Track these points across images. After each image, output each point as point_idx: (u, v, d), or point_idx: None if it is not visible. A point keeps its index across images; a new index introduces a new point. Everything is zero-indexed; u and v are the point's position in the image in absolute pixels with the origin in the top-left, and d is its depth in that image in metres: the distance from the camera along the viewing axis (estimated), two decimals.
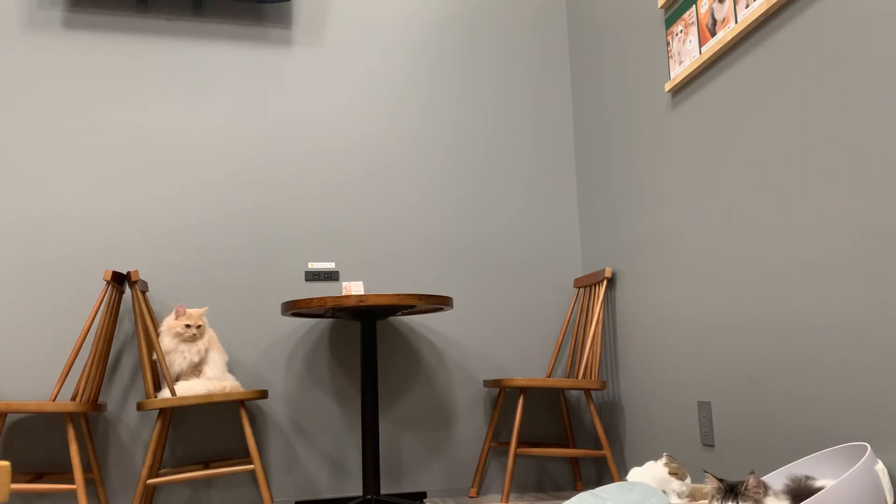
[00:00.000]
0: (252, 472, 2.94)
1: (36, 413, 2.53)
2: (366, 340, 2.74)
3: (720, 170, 2.34)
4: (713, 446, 2.37)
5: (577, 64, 3.49)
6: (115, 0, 3.14)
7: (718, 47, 2.30)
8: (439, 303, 2.62)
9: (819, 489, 1.60)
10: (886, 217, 1.70)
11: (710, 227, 2.40)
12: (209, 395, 2.56)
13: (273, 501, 2.63)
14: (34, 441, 2.80)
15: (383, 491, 3.06)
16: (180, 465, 2.91)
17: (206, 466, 2.85)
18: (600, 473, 3.20)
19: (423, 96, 3.39)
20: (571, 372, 3.20)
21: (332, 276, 3.15)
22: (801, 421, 1.97)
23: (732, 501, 1.64)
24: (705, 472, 1.78)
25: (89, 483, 2.79)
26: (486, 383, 3.02)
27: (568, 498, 2.98)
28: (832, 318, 1.86)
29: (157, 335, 2.70)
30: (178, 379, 2.70)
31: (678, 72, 2.56)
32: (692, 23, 2.47)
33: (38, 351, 2.85)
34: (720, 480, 1.70)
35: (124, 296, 2.93)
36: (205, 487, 2.91)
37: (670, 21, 2.62)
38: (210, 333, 2.80)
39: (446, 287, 3.26)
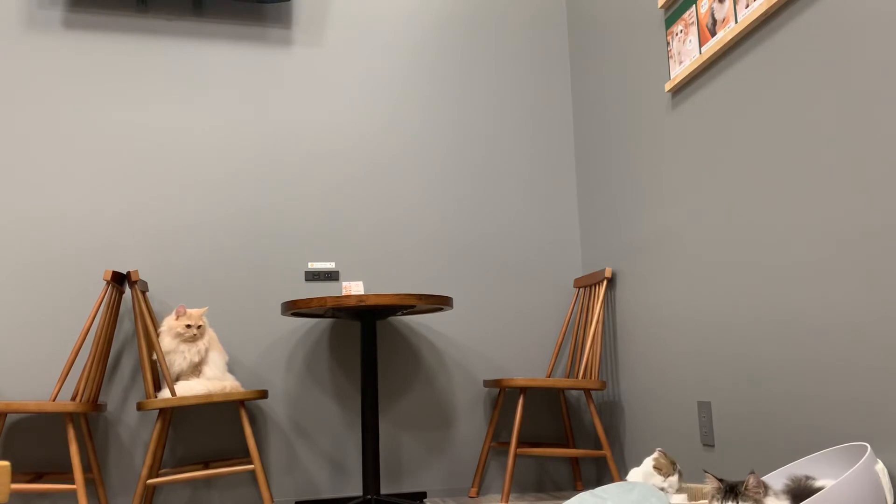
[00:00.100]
0: (252, 472, 2.94)
1: (36, 413, 2.53)
2: (366, 340, 2.74)
3: (720, 170, 2.34)
4: (713, 446, 2.37)
5: (577, 64, 3.49)
6: (115, 0, 3.14)
7: (718, 47, 2.30)
8: (439, 303, 2.62)
9: (819, 489, 1.60)
10: (886, 217, 1.70)
11: (710, 227, 2.40)
12: (209, 395, 2.56)
13: (273, 501, 2.63)
14: (34, 441, 2.80)
15: (383, 491, 3.06)
16: (180, 465, 2.91)
17: (206, 466, 2.85)
18: (600, 473, 3.20)
19: (423, 96, 3.39)
20: (571, 372, 3.20)
21: (332, 276, 3.15)
22: (801, 421, 1.97)
23: (732, 501, 1.64)
24: (705, 472, 1.78)
25: (89, 483, 2.79)
26: (486, 383, 3.02)
27: (568, 498, 2.98)
28: (832, 318, 1.86)
29: (157, 335, 2.70)
30: (178, 379, 2.70)
31: (678, 72, 2.56)
32: (692, 23, 2.47)
33: (38, 351, 2.85)
34: (720, 480, 1.70)
35: (124, 296, 2.93)
36: (205, 487, 2.91)
37: (670, 21, 2.62)
38: (210, 333, 2.80)
39: (446, 287, 3.26)
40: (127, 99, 3.09)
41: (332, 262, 3.17)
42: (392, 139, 3.32)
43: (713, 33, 2.35)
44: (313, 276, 3.13)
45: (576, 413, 3.28)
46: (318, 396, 3.07)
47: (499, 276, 3.32)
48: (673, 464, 2.15)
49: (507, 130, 3.45)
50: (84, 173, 3.00)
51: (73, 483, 2.71)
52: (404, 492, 3.07)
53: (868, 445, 1.64)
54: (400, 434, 3.11)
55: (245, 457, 2.96)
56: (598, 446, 3.20)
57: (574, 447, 3.15)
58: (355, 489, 3.04)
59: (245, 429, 2.62)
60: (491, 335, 3.27)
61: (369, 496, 2.63)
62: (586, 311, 3.15)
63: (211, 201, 3.10)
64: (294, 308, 2.62)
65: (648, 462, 2.16)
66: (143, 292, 2.77)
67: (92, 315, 2.58)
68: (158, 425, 2.59)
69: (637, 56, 2.90)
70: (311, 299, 2.58)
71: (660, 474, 2.10)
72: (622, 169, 3.01)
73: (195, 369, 2.72)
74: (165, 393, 2.61)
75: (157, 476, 2.70)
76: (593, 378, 2.94)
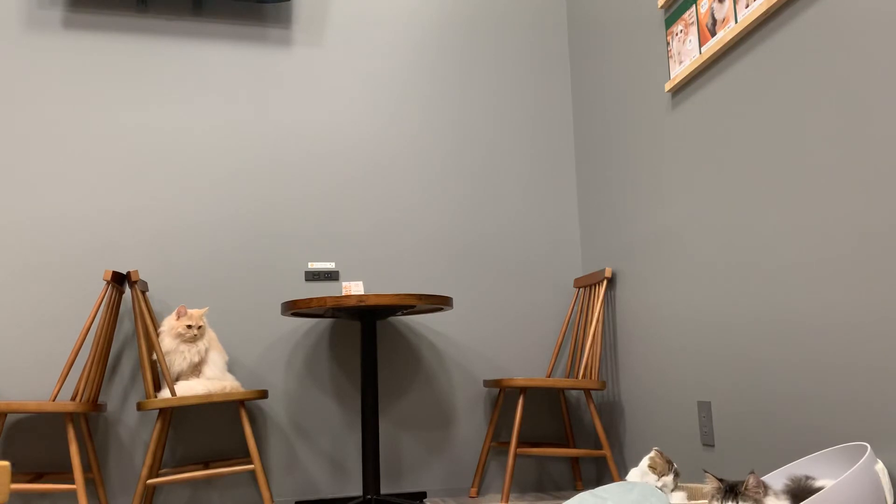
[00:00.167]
0: (252, 472, 2.94)
1: (36, 413, 2.53)
2: (366, 340, 2.74)
3: (720, 170, 2.34)
4: (713, 446, 2.37)
5: (577, 64, 3.49)
6: (115, 0, 3.14)
7: (718, 47, 2.30)
8: (439, 303, 2.62)
9: (819, 489, 1.60)
10: (886, 217, 1.70)
11: (710, 227, 2.40)
12: (209, 395, 2.56)
13: (273, 501, 2.63)
14: (34, 441, 2.80)
15: (383, 491, 3.06)
16: (180, 465, 2.91)
17: (206, 466, 2.85)
18: (600, 473, 3.20)
19: (423, 96, 3.39)
20: (571, 372, 3.20)
21: (332, 276, 3.15)
22: (801, 421, 1.97)
23: (732, 501, 1.64)
24: (705, 472, 1.78)
25: (89, 483, 2.79)
26: (486, 383, 3.02)
27: (568, 498, 2.98)
28: (832, 318, 1.86)
29: (158, 335, 2.70)
30: (177, 379, 2.70)
31: (678, 72, 2.56)
32: (692, 23, 2.47)
33: (38, 351, 2.85)
34: (720, 480, 1.70)
35: (124, 296, 2.93)
36: (205, 487, 2.91)
37: (670, 21, 2.62)
38: (210, 334, 2.80)
39: (446, 287, 3.26)
40: (127, 99, 3.09)
41: (332, 262, 3.17)
42: (392, 139, 3.32)
43: (713, 33, 2.35)
44: (313, 276, 3.13)
45: (576, 413, 3.28)
46: (318, 396, 3.07)
47: (499, 276, 3.32)
48: (669, 463, 2.15)
49: (507, 130, 3.45)
50: (84, 173, 3.00)
51: (73, 483, 2.71)
52: (404, 492, 3.07)
53: (868, 445, 1.64)
54: (400, 434, 3.11)
55: (245, 457, 2.96)
56: (598, 446, 3.20)
57: (574, 447, 3.15)
58: (355, 489, 3.04)
59: (245, 429, 2.62)
60: (491, 335, 3.27)
61: (369, 496, 2.63)
62: (586, 311, 3.15)
63: (211, 201, 3.10)
64: (294, 308, 2.62)
65: (645, 461, 2.16)
66: (143, 292, 2.77)
67: (92, 315, 2.58)
68: (158, 425, 2.59)
69: (637, 56, 2.90)
70: (311, 299, 2.58)
71: (654, 473, 2.10)
72: (622, 169, 3.01)
73: (195, 369, 2.72)
74: (165, 393, 2.61)
75: (157, 476, 2.70)
76: (593, 378, 2.94)
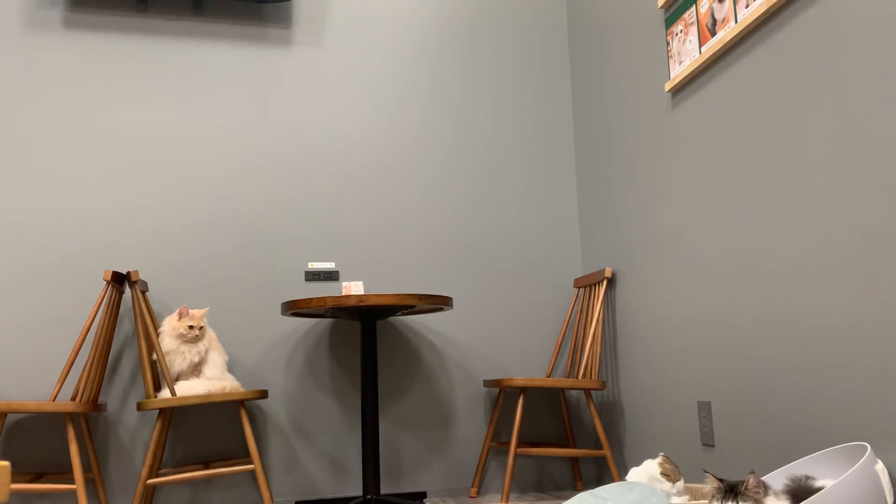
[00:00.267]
0: (252, 472, 2.94)
1: (36, 413, 2.53)
2: (366, 340, 2.74)
3: (720, 170, 2.34)
4: (713, 446, 2.37)
5: (577, 64, 3.50)
6: (115, 0, 3.14)
7: (718, 47, 2.30)
8: (439, 303, 2.62)
9: (819, 489, 1.60)
10: (886, 217, 1.70)
11: (710, 227, 2.40)
12: (209, 395, 2.56)
13: (273, 501, 2.63)
14: (34, 441, 2.80)
15: (383, 491, 3.06)
16: (180, 465, 2.91)
17: (206, 466, 2.85)
18: (600, 473, 3.20)
19: (423, 96, 3.39)
20: (571, 372, 3.20)
21: (332, 276, 3.15)
22: (801, 421, 1.97)
23: (732, 501, 1.64)
24: (705, 472, 1.78)
25: (89, 483, 2.79)
26: (486, 383, 3.02)
27: (568, 498, 2.98)
28: (832, 318, 1.86)
29: (158, 335, 2.70)
30: (177, 379, 2.70)
31: (678, 72, 2.56)
32: (692, 23, 2.47)
33: (38, 351, 2.85)
34: (720, 480, 1.70)
35: (124, 296, 2.93)
36: (205, 487, 2.91)
37: (670, 21, 2.62)
38: (210, 334, 2.81)
39: (446, 287, 3.26)
40: (127, 99, 3.09)
41: (332, 262, 3.17)
42: (392, 139, 3.32)
43: (713, 33, 2.35)
44: (313, 276, 3.13)
45: (576, 413, 3.28)
46: (318, 396, 3.07)
47: (499, 276, 3.32)
48: (676, 467, 2.15)
49: (507, 130, 3.45)
50: (84, 173, 3.00)
51: (73, 483, 2.71)
52: (404, 492, 3.07)
53: (868, 445, 1.64)
54: (400, 434, 3.11)
55: (245, 457, 2.96)
56: (598, 446, 3.20)
57: (574, 447, 3.15)
58: (355, 489, 3.04)
59: (245, 429, 2.62)
60: (491, 335, 3.27)
61: (369, 496, 2.63)
62: (586, 311, 3.15)
63: (211, 201, 3.10)
64: (294, 308, 2.62)
65: (650, 464, 2.16)
66: (143, 292, 2.77)
67: (92, 315, 2.58)
68: (158, 425, 2.59)
69: (637, 56, 2.90)
70: (311, 299, 2.58)
71: (668, 481, 2.10)
72: (622, 169, 3.01)
73: (195, 369, 2.72)
74: (165, 393, 2.61)
75: (157, 476, 2.70)
76: (593, 378, 2.94)
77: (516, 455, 2.90)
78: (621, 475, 2.96)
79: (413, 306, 2.64)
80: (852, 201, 1.80)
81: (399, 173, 3.30)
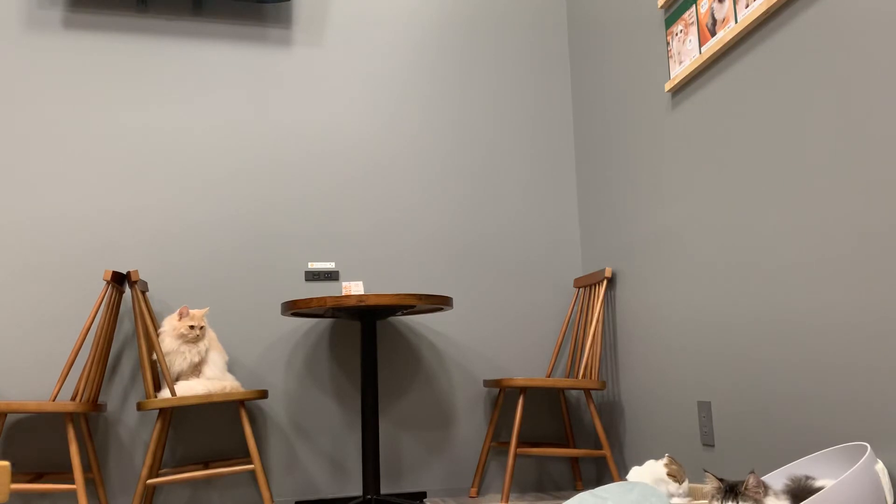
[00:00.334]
0: (252, 472, 2.94)
1: (36, 413, 2.53)
2: (366, 340, 2.74)
3: (720, 170, 2.34)
4: (713, 446, 2.37)
5: (577, 64, 3.50)
6: (115, 0, 3.14)
7: (718, 47, 2.30)
8: (439, 303, 2.62)
9: (819, 489, 1.60)
10: (886, 217, 1.70)
11: (710, 227, 2.40)
12: (209, 395, 2.56)
13: (273, 501, 2.63)
14: (34, 441, 2.80)
15: (383, 491, 3.06)
16: (180, 465, 2.91)
17: (206, 466, 2.85)
18: (600, 473, 3.20)
19: (423, 96, 3.39)
20: (571, 372, 3.20)
21: (332, 276, 3.15)
22: (801, 421, 1.97)
23: (732, 501, 1.64)
24: (705, 471, 1.78)
25: (89, 483, 2.79)
26: (486, 383, 3.02)
27: (568, 498, 2.98)
28: (832, 318, 1.86)
29: (158, 335, 2.70)
30: (177, 379, 2.70)
31: (678, 72, 2.56)
32: (692, 23, 2.47)
33: (38, 351, 2.85)
34: (720, 480, 1.70)
35: (124, 296, 2.93)
36: (205, 487, 2.91)
37: (670, 21, 2.62)
38: (210, 334, 2.81)
39: (446, 287, 3.26)
40: (127, 99, 3.09)
41: (332, 262, 3.17)
42: (392, 139, 3.32)
43: (713, 33, 2.35)
44: (313, 276, 3.13)
45: (576, 413, 3.28)
46: (318, 396, 3.07)
47: (499, 276, 3.32)
48: (682, 467, 2.15)
49: (507, 130, 3.45)
50: (84, 173, 3.00)
51: (73, 483, 2.71)
52: (404, 492, 3.07)
53: (868, 445, 1.64)
54: (400, 434, 3.11)
55: (245, 457, 2.96)
56: (598, 446, 3.20)
57: (574, 447, 3.15)
58: (355, 489, 3.04)
59: (245, 429, 2.62)
60: (491, 335, 3.27)
61: (369, 496, 2.63)
62: (586, 311, 3.15)
63: (211, 201, 3.10)
64: (294, 308, 2.62)
65: (653, 465, 2.15)
66: (143, 292, 2.77)
67: (92, 315, 2.58)
68: (158, 425, 2.59)
69: (637, 56, 2.90)
70: (311, 299, 2.58)
71: (675, 481, 2.10)
72: (622, 169, 3.01)
73: (195, 369, 2.72)
74: (165, 393, 2.61)
75: (157, 476, 2.70)
76: (593, 378, 2.94)
77: (516, 455, 2.90)
78: (621, 475, 2.96)
79: (413, 306, 2.64)
80: (852, 201, 1.80)
81: (399, 173, 3.30)
